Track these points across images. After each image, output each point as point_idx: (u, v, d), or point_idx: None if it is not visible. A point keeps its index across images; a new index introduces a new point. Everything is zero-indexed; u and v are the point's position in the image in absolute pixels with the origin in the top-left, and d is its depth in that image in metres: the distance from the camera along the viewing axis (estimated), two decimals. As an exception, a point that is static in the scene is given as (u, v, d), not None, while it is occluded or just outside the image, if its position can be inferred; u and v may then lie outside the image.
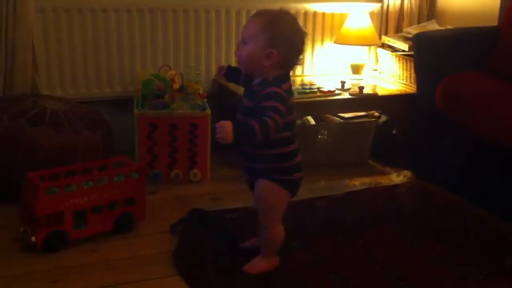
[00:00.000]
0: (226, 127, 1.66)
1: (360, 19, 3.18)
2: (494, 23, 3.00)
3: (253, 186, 1.91)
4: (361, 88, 2.95)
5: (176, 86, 2.81)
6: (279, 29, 1.75)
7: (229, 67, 2.00)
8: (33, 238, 2.01)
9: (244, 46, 1.79)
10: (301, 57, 1.84)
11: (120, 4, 2.90)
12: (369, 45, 3.30)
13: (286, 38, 1.76)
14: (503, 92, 2.49)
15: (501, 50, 2.73)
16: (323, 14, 3.30)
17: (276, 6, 3.04)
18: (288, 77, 1.85)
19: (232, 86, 2.97)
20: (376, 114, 3.22)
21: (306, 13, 3.25)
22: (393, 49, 3.25)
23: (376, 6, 3.40)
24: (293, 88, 2.89)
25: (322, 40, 3.35)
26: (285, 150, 1.85)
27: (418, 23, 3.37)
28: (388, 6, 3.38)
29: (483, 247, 2.18)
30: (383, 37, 3.33)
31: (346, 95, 2.94)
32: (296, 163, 1.89)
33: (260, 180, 1.87)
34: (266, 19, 1.76)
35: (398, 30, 3.39)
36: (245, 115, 1.83)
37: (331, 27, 3.33)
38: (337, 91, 2.95)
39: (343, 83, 3.00)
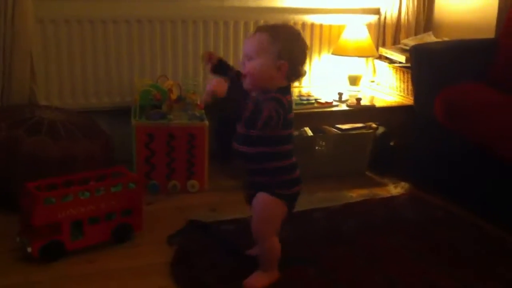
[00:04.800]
0: (222, 83, 1.72)
1: (357, 31, 3.20)
2: (491, 35, 3.02)
3: (252, 200, 1.92)
4: (358, 99, 2.96)
5: (174, 96, 2.81)
6: (288, 41, 1.80)
7: (220, 61, 1.99)
8: (29, 249, 2.00)
9: (251, 61, 1.80)
10: (305, 68, 1.88)
11: (119, 16, 2.90)
12: (367, 56, 3.32)
13: (294, 50, 1.81)
14: (501, 103, 2.50)
15: (499, 61, 2.74)
16: (321, 25, 3.32)
17: (276, 18, 3.15)
18: (290, 90, 1.87)
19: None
20: (374, 125, 3.22)
21: (304, 25, 3.26)
22: (391, 60, 3.26)
23: (373, 18, 3.41)
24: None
25: (320, 52, 3.36)
26: (287, 163, 1.87)
27: (415, 35, 3.38)
28: (385, 18, 3.40)
29: (483, 257, 2.18)
30: (381, 48, 3.34)
31: (343, 107, 2.95)
32: (297, 177, 1.91)
33: (259, 193, 1.87)
34: (274, 33, 1.80)
35: (395, 41, 3.41)
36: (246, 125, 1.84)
37: (329, 39, 3.34)
38: (334, 103, 2.96)
39: (340, 94, 3.01)
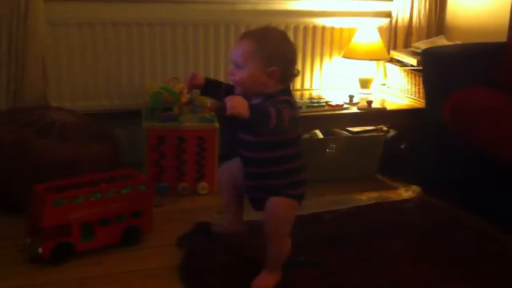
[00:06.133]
0: (242, 100, 1.61)
1: (368, 34, 3.19)
2: (503, 39, 2.99)
3: (258, 203, 1.92)
4: (369, 102, 2.95)
5: (185, 99, 2.82)
6: (274, 45, 1.77)
7: (207, 80, 1.94)
8: (39, 250, 2.01)
9: (240, 70, 1.77)
10: (296, 68, 1.86)
11: (130, 19, 2.92)
12: (378, 59, 3.30)
13: (282, 53, 1.78)
14: (508, 107, 2.47)
15: (508, 65, 2.72)
16: (332, 28, 3.31)
17: (286, 20, 3.15)
18: (290, 92, 1.86)
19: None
20: (385, 128, 3.21)
21: (314, 28, 3.26)
22: (402, 63, 3.24)
23: (384, 21, 3.40)
24: (301, 101, 2.93)
25: (331, 55, 3.35)
26: (299, 164, 1.88)
27: (427, 38, 3.37)
28: (396, 21, 3.39)
29: (490, 263, 2.16)
30: (392, 51, 3.33)
31: (354, 109, 2.94)
32: (304, 178, 1.91)
33: (273, 198, 1.86)
34: (258, 39, 1.76)
35: (406, 45, 3.39)
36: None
37: (340, 42, 3.34)
38: (345, 105, 2.95)
39: (351, 97, 3.00)
